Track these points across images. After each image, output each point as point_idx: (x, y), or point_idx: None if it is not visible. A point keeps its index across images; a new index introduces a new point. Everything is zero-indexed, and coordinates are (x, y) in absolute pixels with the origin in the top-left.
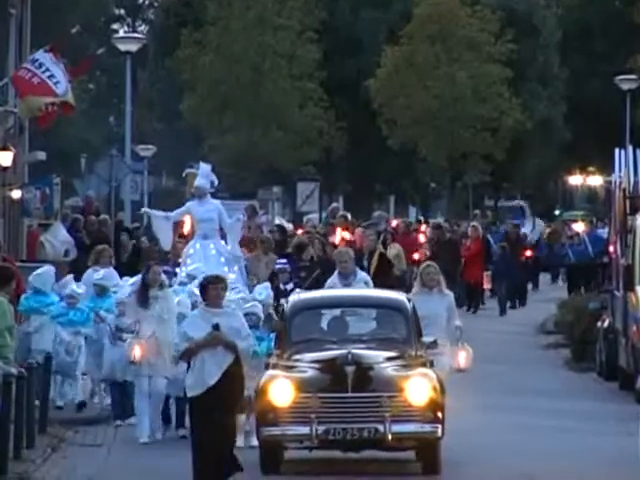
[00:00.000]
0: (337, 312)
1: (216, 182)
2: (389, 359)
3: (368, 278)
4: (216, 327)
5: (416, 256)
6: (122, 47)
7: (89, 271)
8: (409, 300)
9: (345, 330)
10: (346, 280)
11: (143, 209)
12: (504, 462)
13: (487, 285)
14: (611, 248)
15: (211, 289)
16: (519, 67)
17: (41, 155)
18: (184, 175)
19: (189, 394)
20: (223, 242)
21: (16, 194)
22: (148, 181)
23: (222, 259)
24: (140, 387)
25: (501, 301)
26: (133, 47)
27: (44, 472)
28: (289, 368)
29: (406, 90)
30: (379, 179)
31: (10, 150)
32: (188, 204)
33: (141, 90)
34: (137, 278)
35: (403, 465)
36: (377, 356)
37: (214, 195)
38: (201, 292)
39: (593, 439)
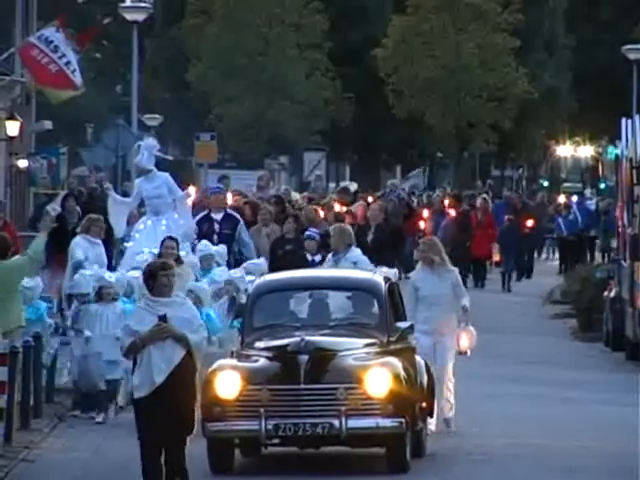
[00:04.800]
0: (304, 295)
1: (158, 154)
2: (352, 347)
3: (360, 257)
4: (163, 318)
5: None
6: (129, 16)
7: (78, 239)
8: (387, 281)
9: (312, 315)
10: (335, 257)
11: (106, 185)
12: (503, 431)
13: (496, 258)
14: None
15: (161, 276)
16: (526, 36)
17: (48, 124)
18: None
19: (135, 395)
20: (177, 215)
21: (23, 163)
22: None
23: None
24: None
25: (506, 276)
26: (139, 16)
27: (50, 441)
28: (243, 357)
29: (413, 60)
30: (385, 148)
31: (17, 120)
32: (136, 183)
33: (147, 59)
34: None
35: (371, 461)
36: (336, 343)
37: (221, 164)
38: (147, 280)
39: (595, 409)
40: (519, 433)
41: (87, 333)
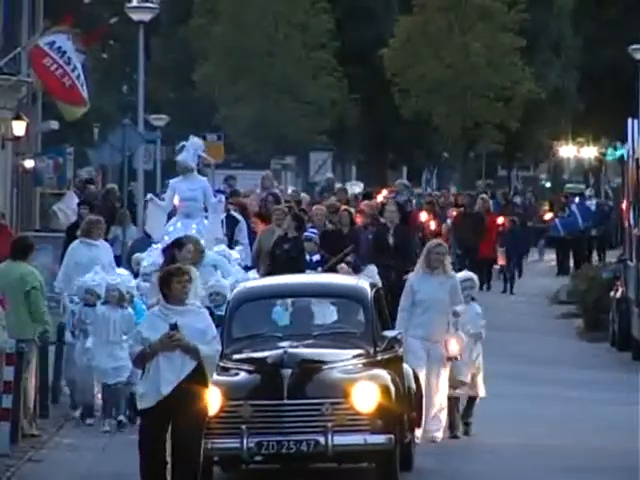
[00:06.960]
0: (286, 303)
1: (203, 155)
2: (338, 359)
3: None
4: (174, 327)
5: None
6: (135, 16)
7: (76, 243)
8: (372, 287)
9: (295, 324)
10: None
11: (149, 195)
12: (503, 431)
13: (501, 262)
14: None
15: (175, 282)
16: (532, 36)
17: (54, 124)
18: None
19: (139, 406)
20: (206, 221)
21: (29, 163)
22: (161, 151)
23: (202, 242)
24: None
25: (510, 279)
26: (146, 16)
27: (57, 442)
28: (223, 370)
29: (419, 60)
30: (392, 149)
31: (23, 119)
32: (172, 183)
33: (154, 59)
34: (156, 254)
35: (359, 475)
36: (321, 355)
37: (227, 164)
38: (161, 287)
39: (598, 408)
40: (521, 433)
41: (88, 344)
